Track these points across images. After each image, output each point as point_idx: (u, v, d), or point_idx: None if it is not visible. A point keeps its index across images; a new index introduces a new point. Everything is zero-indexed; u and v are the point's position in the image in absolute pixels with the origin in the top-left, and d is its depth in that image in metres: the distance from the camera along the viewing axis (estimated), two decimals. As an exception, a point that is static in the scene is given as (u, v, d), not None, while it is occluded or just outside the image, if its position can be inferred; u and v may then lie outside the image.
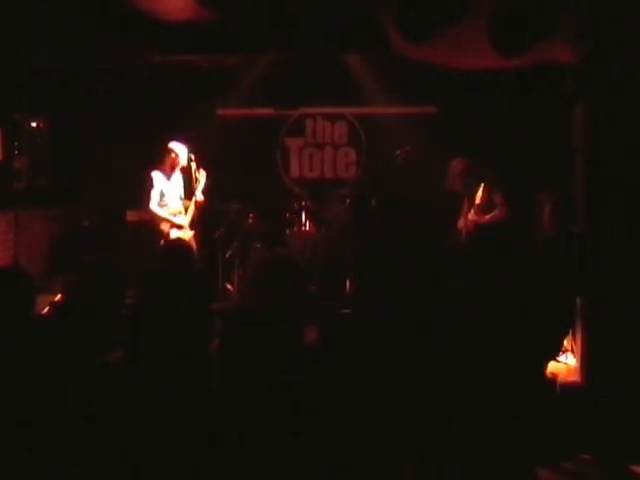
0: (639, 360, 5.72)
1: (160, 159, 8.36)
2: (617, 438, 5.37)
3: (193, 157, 8.39)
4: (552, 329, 5.69)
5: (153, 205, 8.31)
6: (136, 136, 10.05)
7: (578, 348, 6.56)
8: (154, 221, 8.41)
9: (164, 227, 8.34)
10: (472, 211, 7.68)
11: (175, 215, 8.39)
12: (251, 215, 9.15)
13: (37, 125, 9.28)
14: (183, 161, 8.31)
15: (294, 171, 10.74)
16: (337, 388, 2.67)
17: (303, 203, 9.17)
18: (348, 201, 9.33)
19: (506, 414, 2.88)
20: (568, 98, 6.82)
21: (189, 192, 8.45)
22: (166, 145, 8.45)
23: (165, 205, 8.34)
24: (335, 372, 2.72)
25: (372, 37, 6.80)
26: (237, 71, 9.32)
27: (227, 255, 9.11)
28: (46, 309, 4.55)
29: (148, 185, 8.32)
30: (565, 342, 6.47)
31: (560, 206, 5.95)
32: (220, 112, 10.34)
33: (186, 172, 8.35)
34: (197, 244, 8.45)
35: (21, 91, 8.52)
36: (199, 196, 8.47)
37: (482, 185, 7.61)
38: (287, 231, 9.12)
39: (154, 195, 8.30)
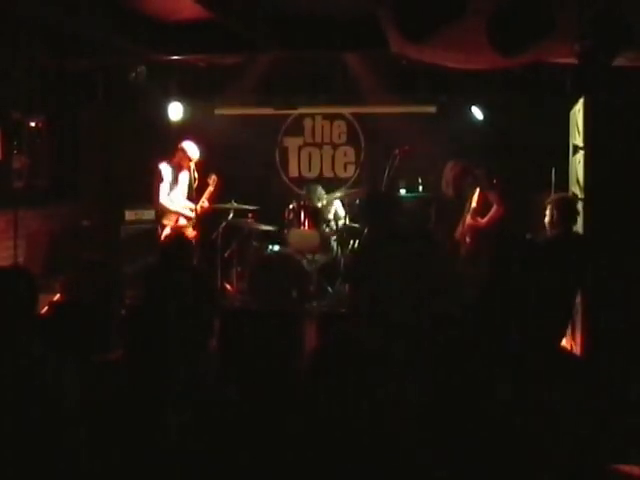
0: (639, 357, 5.72)
1: (170, 154, 8.42)
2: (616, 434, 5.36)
3: (198, 159, 8.42)
4: (552, 327, 5.70)
5: (163, 198, 8.35)
6: (136, 136, 10.06)
7: (577, 346, 6.57)
8: (159, 215, 8.46)
9: (168, 222, 8.37)
10: (469, 215, 7.68)
11: (182, 210, 8.45)
12: (250, 214, 9.16)
13: (36, 125, 9.27)
14: (192, 164, 8.33)
15: (293, 170, 10.75)
16: (337, 387, 2.67)
17: (302, 202, 9.17)
18: (347, 200, 9.34)
19: (506, 413, 2.88)
20: (568, 98, 6.82)
21: (192, 192, 8.46)
22: (171, 145, 8.50)
23: (172, 200, 8.40)
24: (335, 371, 2.72)
25: (372, 36, 6.79)
26: (236, 71, 9.31)
27: (226, 255, 9.11)
28: (46, 309, 4.55)
29: (157, 178, 8.36)
30: (564, 340, 6.48)
31: (560, 205, 5.95)
32: (219, 112, 10.34)
33: (193, 172, 8.37)
34: (197, 244, 8.46)
35: (21, 91, 8.52)
36: (205, 202, 8.52)
37: (477, 190, 7.60)
38: (286, 231, 9.12)
39: (164, 188, 8.35)
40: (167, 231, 8.35)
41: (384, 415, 2.68)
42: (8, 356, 3.08)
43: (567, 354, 5.47)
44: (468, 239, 7.73)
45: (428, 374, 3.10)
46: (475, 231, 7.64)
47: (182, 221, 8.47)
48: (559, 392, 3.03)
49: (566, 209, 5.96)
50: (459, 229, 7.89)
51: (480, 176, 7.67)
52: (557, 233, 5.89)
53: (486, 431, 2.79)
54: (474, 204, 7.65)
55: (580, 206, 6.29)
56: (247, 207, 9.12)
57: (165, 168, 8.37)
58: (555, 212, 5.93)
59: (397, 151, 8.66)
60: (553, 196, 6.25)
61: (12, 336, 3.15)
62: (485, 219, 7.59)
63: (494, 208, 7.57)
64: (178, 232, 7.97)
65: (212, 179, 8.53)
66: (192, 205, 8.49)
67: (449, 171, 7.85)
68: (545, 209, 6.08)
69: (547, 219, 5.99)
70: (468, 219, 7.69)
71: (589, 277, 5.92)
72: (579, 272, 5.78)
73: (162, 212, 8.48)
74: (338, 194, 9.60)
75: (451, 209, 8.16)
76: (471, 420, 2.82)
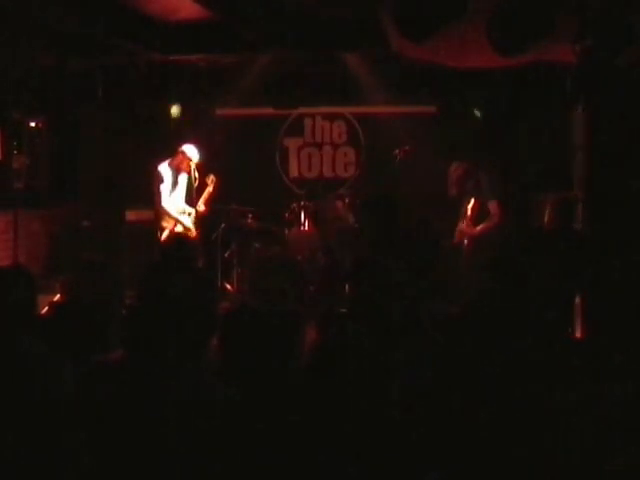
0: (639, 358, 5.72)
1: (170, 156, 8.38)
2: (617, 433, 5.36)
3: (198, 161, 8.39)
4: (551, 327, 5.69)
5: (165, 201, 8.30)
6: (136, 136, 10.06)
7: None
8: (158, 217, 8.41)
9: (167, 224, 8.32)
10: (463, 222, 7.63)
11: (180, 214, 8.40)
12: (250, 215, 9.16)
13: (37, 125, 9.28)
14: (193, 165, 8.30)
15: (293, 171, 10.74)
16: (338, 388, 2.68)
17: (302, 203, 9.16)
18: (347, 201, 9.34)
19: (505, 414, 2.88)
20: (568, 98, 6.82)
21: (192, 194, 8.44)
22: (171, 145, 8.48)
23: (171, 203, 8.34)
24: (335, 372, 2.72)
25: (372, 37, 6.80)
26: (236, 71, 9.32)
27: (226, 255, 9.11)
28: (46, 309, 4.55)
29: (157, 180, 8.31)
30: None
31: (560, 206, 5.96)
32: (219, 112, 10.34)
33: (194, 172, 8.34)
34: (197, 244, 8.45)
35: (21, 91, 8.52)
36: (201, 206, 8.49)
37: (472, 199, 7.53)
38: (286, 231, 9.12)
39: (164, 190, 8.30)
40: (166, 234, 8.31)
41: (383, 414, 2.68)
42: (7, 356, 3.08)
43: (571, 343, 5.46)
44: (466, 241, 7.72)
45: (428, 374, 3.10)
46: (469, 237, 7.62)
47: (180, 227, 8.41)
48: (559, 392, 3.03)
49: (565, 209, 5.96)
50: (457, 231, 7.86)
51: (483, 181, 7.62)
52: (556, 233, 5.89)
53: (485, 431, 2.79)
54: (469, 212, 7.59)
55: (580, 206, 6.29)
56: (247, 207, 9.13)
57: (165, 170, 8.33)
58: (554, 212, 5.93)
59: (397, 151, 8.65)
60: (553, 196, 6.24)
61: (11, 335, 3.15)
62: (479, 228, 7.53)
63: (490, 218, 7.49)
64: (178, 234, 7.96)
65: (211, 179, 8.51)
66: (191, 209, 8.44)
67: (452, 172, 7.82)
68: (545, 209, 6.08)
69: (546, 219, 5.99)
70: (462, 225, 7.66)
71: (589, 277, 5.92)
72: (578, 271, 5.78)
73: (161, 215, 8.42)
74: (338, 194, 9.59)
75: (452, 210, 8.13)
76: (471, 420, 2.82)
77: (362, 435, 2.60)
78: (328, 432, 2.60)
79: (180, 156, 8.33)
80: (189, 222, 8.43)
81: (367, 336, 3.40)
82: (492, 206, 7.50)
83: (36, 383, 3.03)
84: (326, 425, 2.62)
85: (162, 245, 7.95)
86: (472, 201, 7.55)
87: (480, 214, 7.52)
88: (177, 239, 6.37)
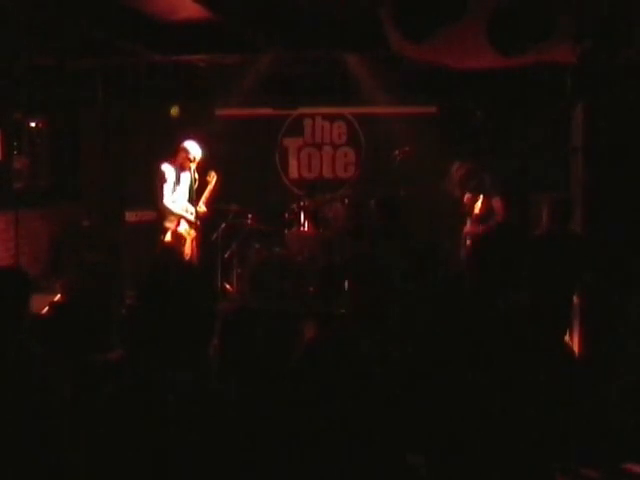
0: (637, 358, 5.73)
1: (172, 154, 8.34)
2: (616, 436, 5.37)
3: (200, 157, 8.34)
4: (550, 328, 5.70)
5: (167, 200, 8.24)
6: (136, 136, 10.06)
7: (576, 347, 6.57)
8: (161, 217, 8.37)
9: (169, 224, 8.27)
10: (469, 221, 7.60)
11: (184, 212, 8.35)
12: (250, 215, 9.16)
13: (37, 125, 9.30)
14: (193, 165, 8.25)
15: (293, 171, 10.73)
16: (337, 388, 2.68)
17: (302, 203, 9.17)
18: (347, 201, 9.34)
19: (504, 415, 2.89)
20: (568, 98, 6.82)
21: (193, 194, 8.40)
22: (171, 146, 8.46)
23: (174, 201, 8.28)
24: (334, 372, 2.72)
25: (372, 37, 6.80)
26: (236, 71, 9.32)
27: (226, 255, 9.11)
28: (46, 309, 4.55)
29: (160, 179, 8.24)
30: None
31: (559, 206, 5.96)
32: (219, 112, 10.34)
33: (193, 172, 8.30)
34: (197, 244, 8.45)
35: (21, 91, 8.53)
36: (202, 207, 8.45)
37: (481, 196, 7.49)
38: (286, 231, 9.13)
39: (167, 189, 8.24)
40: (168, 236, 8.28)
41: (380, 413, 2.68)
42: (5, 357, 3.08)
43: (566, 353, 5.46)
44: (468, 241, 7.70)
45: (424, 374, 3.11)
46: (475, 236, 7.58)
47: (184, 224, 8.36)
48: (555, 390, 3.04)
49: (562, 209, 5.96)
50: (465, 230, 7.82)
51: (486, 180, 7.60)
52: (554, 232, 5.89)
53: (485, 430, 2.80)
54: (477, 210, 7.55)
55: (579, 206, 6.29)
56: (247, 208, 9.12)
57: (167, 168, 8.27)
58: (552, 211, 5.93)
59: (398, 152, 8.66)
60: (550, 196, 6.24)
61: (4, 335, 3.15)
62: (482, 228, 7.50)
63: (494, 217, 7.46)
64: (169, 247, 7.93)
65: (211, 176, 8.46)
66: (192, 209, 8.39)
67: (455, 172, 7.80)
68: (543, 209, 6.08)
69: (544, 218, 6.00)
70: (468, 225, 7.62)
71: (587, 277, 5.92)
72: (576, 271, 5.78)
73: (164, 214, 8.36)
74: (338, 195, 9.59)
75: (452, 210, 8.13)
76: (466, 416, 2.82)
77: (361, 434, 2.61)
78: (328, 432, 2.60)
79: (182, 153, 8.27)
80: (193, 218, 8.37)
81: (365, 336, 3.41)
82: (496, 203, 7.47)
83: (35, 383, 3.03)
84: (326, 425, 2.62)
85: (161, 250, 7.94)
86: (481, 199, 7.49)
87: (488, 213, 7.49)
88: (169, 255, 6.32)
